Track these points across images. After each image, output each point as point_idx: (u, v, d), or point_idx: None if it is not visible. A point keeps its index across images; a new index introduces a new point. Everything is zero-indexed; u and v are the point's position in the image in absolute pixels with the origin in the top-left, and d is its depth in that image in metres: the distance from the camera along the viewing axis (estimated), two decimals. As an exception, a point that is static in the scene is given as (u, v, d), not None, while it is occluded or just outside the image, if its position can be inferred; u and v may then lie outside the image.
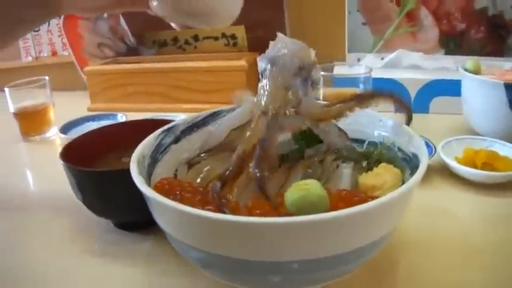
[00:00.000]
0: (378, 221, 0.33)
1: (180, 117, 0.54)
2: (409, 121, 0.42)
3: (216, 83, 1.01)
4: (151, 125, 0.50)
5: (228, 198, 0.37)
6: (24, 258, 0.53)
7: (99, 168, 0.55)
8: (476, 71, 0.76)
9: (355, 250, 0.32)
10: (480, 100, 0.73)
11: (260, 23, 1.03)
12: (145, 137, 0.46)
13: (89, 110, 1.08)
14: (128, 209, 0.52)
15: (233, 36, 1.12)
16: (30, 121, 0.93)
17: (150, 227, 0.54)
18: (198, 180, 0.43)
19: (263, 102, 0.42)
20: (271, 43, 0.44)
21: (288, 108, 0.41)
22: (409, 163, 0.41)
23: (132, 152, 0.43)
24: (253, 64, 1.01)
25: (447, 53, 1.01)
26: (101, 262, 0.51)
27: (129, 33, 1.20)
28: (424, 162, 0.37)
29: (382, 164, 0.41)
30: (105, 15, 1.16)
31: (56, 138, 0.92)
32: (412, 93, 0.91)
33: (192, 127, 0.51)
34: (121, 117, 0.93)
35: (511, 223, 0.53)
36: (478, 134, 0.73)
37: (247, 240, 0.32)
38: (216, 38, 1.14)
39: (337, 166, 0.42)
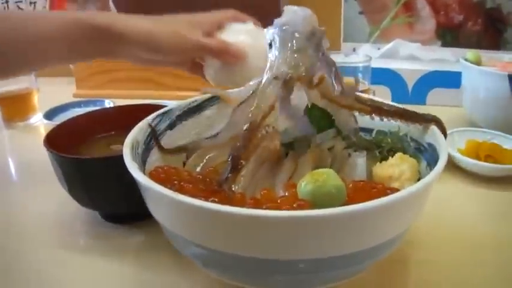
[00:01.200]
0: (404, 213, 0.30)
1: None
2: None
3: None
4: (141, 111, 0.47)
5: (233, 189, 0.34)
6: (4, 252, 0.50)
7: (86, 155, 0.52)
8: (477, 63, 0.75)
9: (380, 245, 0.29)
10: (482, 91, 0.72)
11: (255, 9, 0.99)
12: (136, 123, 0.43)
13: (75, 96, 1.04)
14: (117, 200, 0.49)
15: (226, 22, 1.07)
16: (13, 107, 0.89)
17: (141, 220, 0.51)
18: (198, 169, 0.40)
19: (274, 69, 0.38)
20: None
21: (301, 72, 0.37)
22: (423, 153, 0.39)
23: (122, 138, 0.40)
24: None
25: (444, 45, 0.99)
26: (87, 257, 0.48)
27: (118, 17, 1.16)
28: (445, 152, 0.34)
29: (398, 153, 0.38)
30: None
31: (40, 125, 0.88)
32: (410, 84, 0.89)
33: (188, 112, 0.47)
34: (108, 104, 0.90)
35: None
36: (478, 126, 0.72)
37: (254, 236, 0.28)
38: (209, 24, 1.09)
39: (349, 155, 0.39)
